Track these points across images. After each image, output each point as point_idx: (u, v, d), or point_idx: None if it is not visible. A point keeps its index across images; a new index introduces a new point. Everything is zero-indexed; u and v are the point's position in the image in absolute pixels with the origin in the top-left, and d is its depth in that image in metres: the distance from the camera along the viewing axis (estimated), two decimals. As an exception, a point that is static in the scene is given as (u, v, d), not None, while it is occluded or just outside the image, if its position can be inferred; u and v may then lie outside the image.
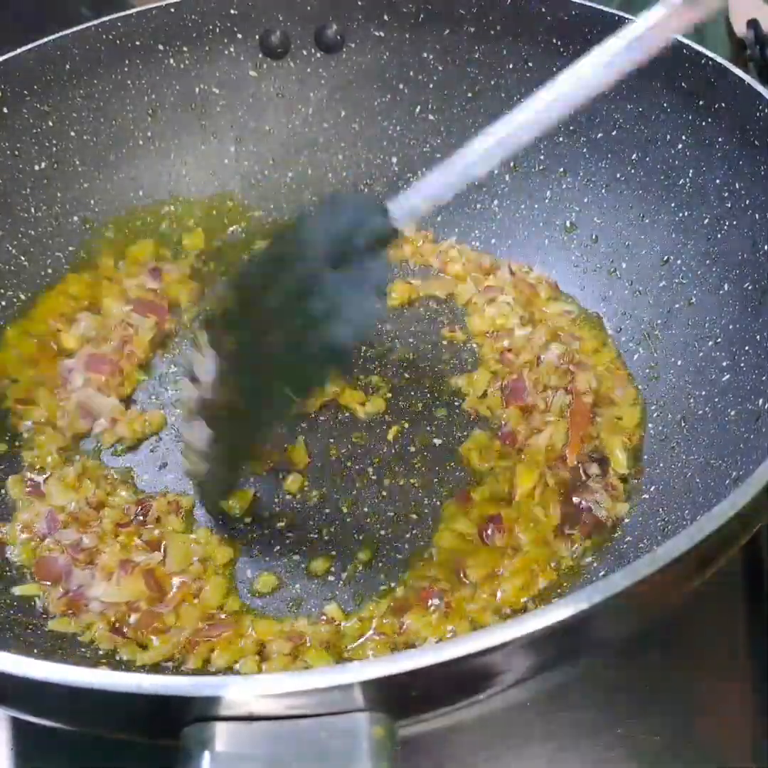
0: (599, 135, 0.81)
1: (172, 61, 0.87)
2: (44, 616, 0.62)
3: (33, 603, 0.63)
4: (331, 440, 0.74)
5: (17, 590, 0.63)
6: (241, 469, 0.69)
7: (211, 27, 0.86)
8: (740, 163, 0.68)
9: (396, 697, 0.37)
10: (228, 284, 0.67)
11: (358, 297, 0.56)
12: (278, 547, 0.67)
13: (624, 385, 0.75)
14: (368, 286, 0.57)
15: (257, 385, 0.60)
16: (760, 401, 0.59)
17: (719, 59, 0.69)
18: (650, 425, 0.72)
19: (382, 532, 0.67)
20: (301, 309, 0.57)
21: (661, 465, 0.67)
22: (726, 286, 0.69)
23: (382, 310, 0.62)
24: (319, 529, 0.68)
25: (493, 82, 0.86)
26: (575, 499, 0.67)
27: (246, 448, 0.66)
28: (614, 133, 0.79)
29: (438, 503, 0.69)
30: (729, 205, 0.69)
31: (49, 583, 0.64)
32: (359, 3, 0.87)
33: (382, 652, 0.59)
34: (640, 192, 0.79)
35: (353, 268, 0.57)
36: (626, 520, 0.66)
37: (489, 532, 0.65)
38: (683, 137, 0.74)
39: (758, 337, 0.63)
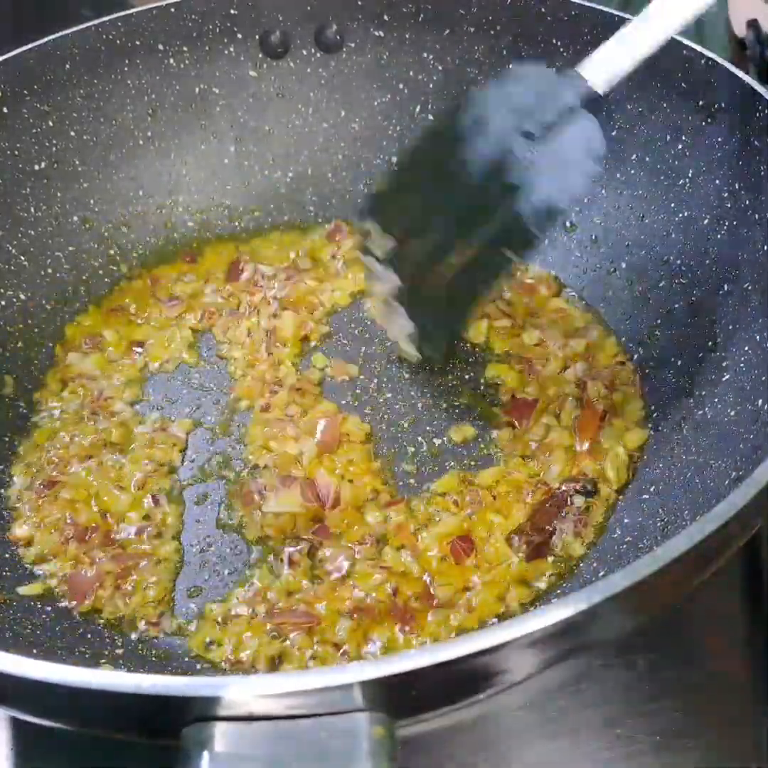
0: (599, 135, 0.81)
1: (172, 61, 0.87)
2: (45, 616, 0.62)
3: (34, 603, 0.63)
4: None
5: (22, 590, 0.63)
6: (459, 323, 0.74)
7: (211, 27, 0.86)
8: (740, 163, 0.68)
9: (395, 698, 0.37)
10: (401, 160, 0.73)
11: (567, 161, 0.58)
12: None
13: (632, 390, 0.74)
14: (577, 150, 0.58)
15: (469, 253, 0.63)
16: (760, 401, 0.59)
17: (719, 59, 0.69)
18: (649, 425, 0.72)
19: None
20: (492, 182, 0.59)
21: (661, 465, 0.67)
22: (725, 286, 0.68)
23: (595, 172, 0.61)
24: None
25: (492, 82, 0.86)
26: (545, 521, 0.66)
27: (468, 303, 0.69)
28: (614, 133, 0.79)
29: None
30: (728, 206, 0.69)
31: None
32: (359, 3, 0.87)
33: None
34: (640, 192, 0.79)
35: (556, 138, 0.58)
36: (626, 520, 0.66)
37: (458, 552, 0.65)
38: (683, 137, 0.74)
39: (758, 337, 0.63)
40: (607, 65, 0.58)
